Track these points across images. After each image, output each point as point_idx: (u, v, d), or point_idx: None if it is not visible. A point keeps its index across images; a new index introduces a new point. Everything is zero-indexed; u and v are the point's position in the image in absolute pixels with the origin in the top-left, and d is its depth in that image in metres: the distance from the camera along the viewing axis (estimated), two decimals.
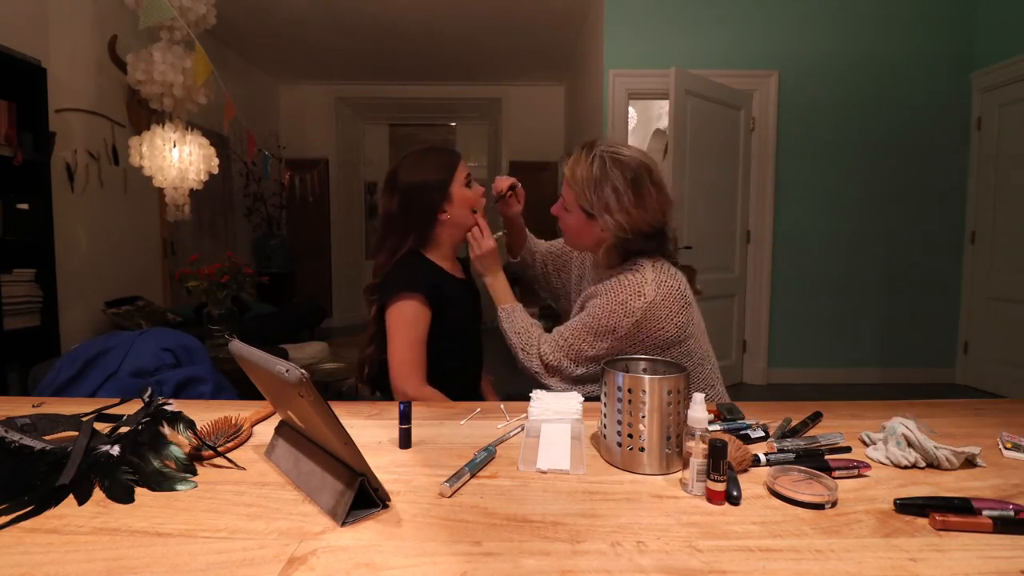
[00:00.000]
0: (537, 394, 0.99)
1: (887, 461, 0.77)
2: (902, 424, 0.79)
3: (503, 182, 1.38)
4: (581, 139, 4.69)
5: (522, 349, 1.21)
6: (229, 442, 0.80)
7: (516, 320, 1.24)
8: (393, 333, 1.19)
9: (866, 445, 0.84)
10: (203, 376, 1.29)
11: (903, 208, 3.68)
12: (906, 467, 0.75)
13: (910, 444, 0.77)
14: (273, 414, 0.96)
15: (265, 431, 0.89)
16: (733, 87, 3.55)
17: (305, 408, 0.62)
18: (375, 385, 1.30)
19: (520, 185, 1.40)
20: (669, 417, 0.74)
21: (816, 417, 0.95)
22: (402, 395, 1.16)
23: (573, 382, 1.17)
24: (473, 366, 1.36)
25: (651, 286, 1.08)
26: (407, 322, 1.18)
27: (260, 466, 0.76)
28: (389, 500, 0.65)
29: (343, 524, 0.60)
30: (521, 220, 1.44)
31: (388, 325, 1.20)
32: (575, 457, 0.77)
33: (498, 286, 1.29)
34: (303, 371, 0.58)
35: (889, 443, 0.79)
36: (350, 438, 0.61)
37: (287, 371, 0.59)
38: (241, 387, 1.48)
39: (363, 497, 0.62)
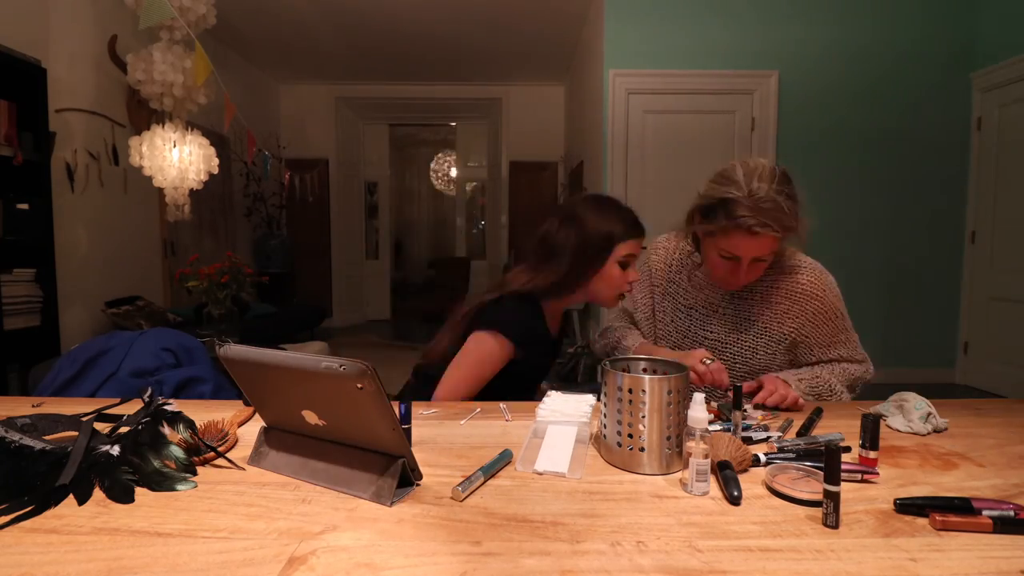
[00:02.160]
0: (549, 395, 0.99)
1: (908, 430, 0.90)
2: (925, 402, 0.92)
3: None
4: (581, 139, 4.65)
5: (848, 387, 1.23)
6: (220, 446, 0.79)
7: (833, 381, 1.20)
8: (465, 355, 1.15)
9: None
10: (203, 376, 1.29)
11: (903, 208, 3.68)
12: (925, 434, 0.89)
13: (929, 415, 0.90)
14: (253, 416, 0.96)
15: (249, 432, 0.89)
16: (733, 87, 3.55)
17: (352, 401, 0.64)
18: (416, 388, 1.25)
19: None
20: (669, 417, 0.74)
21: (818, 413, 0.96)
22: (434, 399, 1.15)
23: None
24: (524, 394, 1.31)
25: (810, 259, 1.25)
26: (482, 358, 1.14)
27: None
28: (421, 477, 0.70)
29: (391, 504, 0.65)
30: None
31: (465, 346, 1.16)
32: (575, 460, 0.77)
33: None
34: (366, 363, 0.61)
35: (913, 416, 0.90)
36: (398, 423, 0.65)
37: (342, 366, 0.61)
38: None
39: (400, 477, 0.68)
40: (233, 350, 0.74)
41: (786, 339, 1.20)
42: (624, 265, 1.17)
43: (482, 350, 1.14)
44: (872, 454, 0.74)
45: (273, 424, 0.79)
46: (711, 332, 1.24)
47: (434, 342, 1.25)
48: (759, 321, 1.20)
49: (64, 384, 1.23)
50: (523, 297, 1.17)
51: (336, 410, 0.69)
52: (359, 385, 0.61)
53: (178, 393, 1.24)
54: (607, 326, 1.42)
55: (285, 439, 0.77)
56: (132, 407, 0.91)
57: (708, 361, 1.05)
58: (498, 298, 1.18)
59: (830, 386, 1.16)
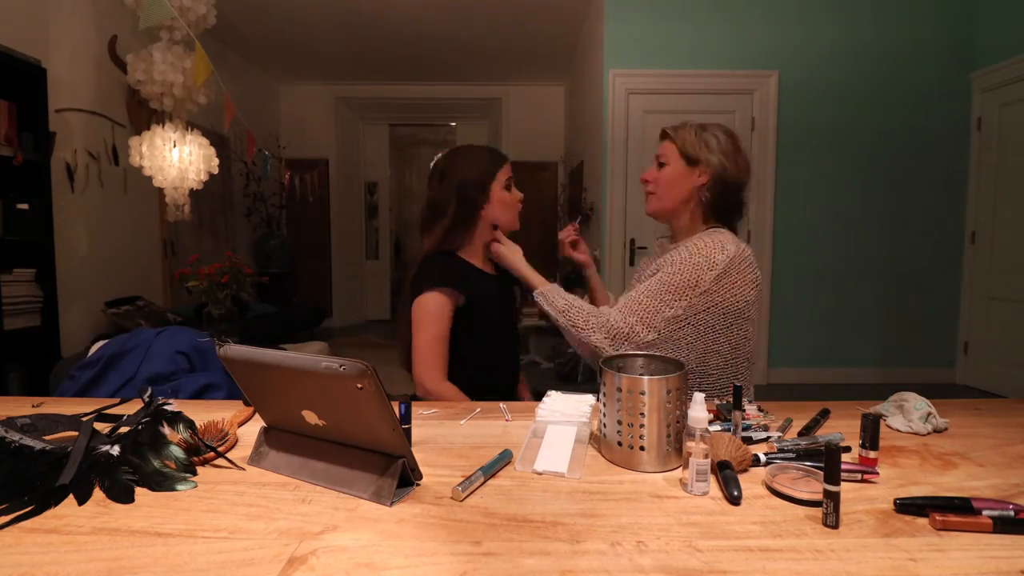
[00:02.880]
0: (549, 395, 0.99)
1: (908, 430, 0.90)
2: (925, 403, 0.92)
3: (566, 232, 1.44)
4: (581, 139, 4.67)
5: (574, 325, 1.17)
6: (220, 446, 0.79)
7: (558, 299, 1.22)
8: (415, 326, 1.21)
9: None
10: (218, 382, 1.29)
11: (903, 208, 3.68)
12: (925, 434, 0.89)
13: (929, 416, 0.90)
14: (253, 416, 0.96)
15: (249, 432, 0.89)
16: (733, 87, 3.55)
17: (353, 401, 0.65)
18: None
19: (577, 227, 1.45)
20: (669, 416, 0.74)
21: (825, 414, 0.96)
22: (422, 388, 1.18)
23: (641, 350, 1.14)
24: (510, 363, 1.37)
25: (732, 244, 1.16)
26: (429, 316, 1.21)
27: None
28: (421, 476, 0.70)
29: (391, 504, 0.65)
30: (597, 277, 1.49)
31: (412, 318, 1.22)
32: (575, 460, 0.77)
33: (527, 273, 1.29)
34: (366, 362, 0.61)
35: (913, 416, 0.90)
36: (398, 423, 0.66)
37: (342, 367, 0.62)
38: None
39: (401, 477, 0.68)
40: (233, 350, 0.74)
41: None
42: (507, 188, 1.30)
43: (423, 310, 1.21)
44: (872, 454, 0.74)
45: (273, 424, 0.79)
46: None
47: (399, 342, 1.32)
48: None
49: (86, 386, 1.24)
50: (435, 255, 1.28)
51: (336, 410, 0.69)
52: (359, 385, 0.62)
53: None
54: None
55: (285, 439, 0.77)
56: (132, 407, 0.91)
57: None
58: (418, 268, 1.27)
59: (570, 302, 1.20)
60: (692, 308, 1.13)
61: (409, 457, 0.68)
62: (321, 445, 0.73)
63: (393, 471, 0.67)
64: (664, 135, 1.27)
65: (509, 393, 1.33)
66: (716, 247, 1.14)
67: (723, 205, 1.23)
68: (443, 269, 1.25)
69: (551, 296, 1.23)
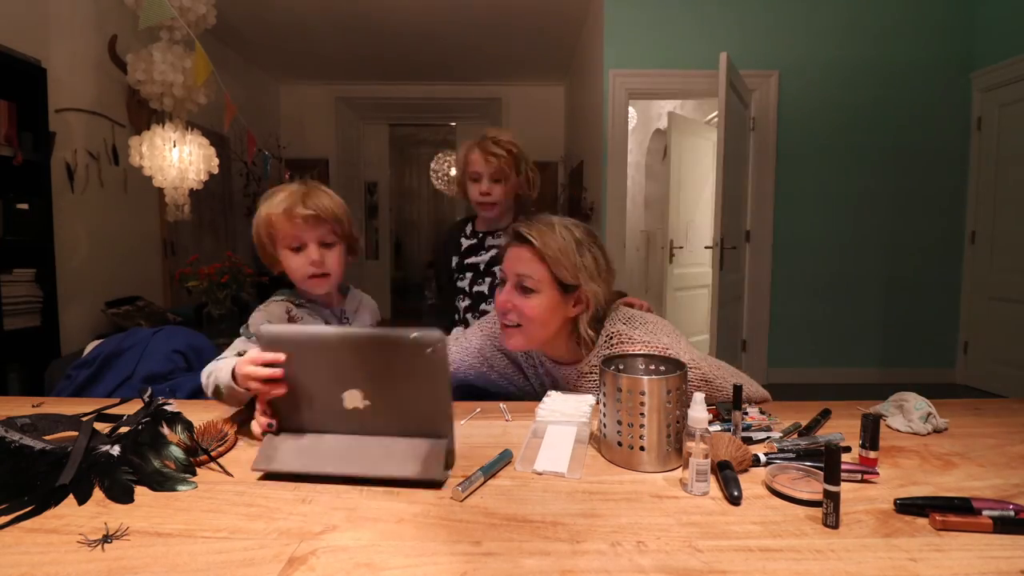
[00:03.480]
0: (549, 395, 0.99)
1: (908, 430, 0.90)
2: (925, 403, 0.92)
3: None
4: (581, 139, 4.66)
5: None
6: (219, 447, 0.79)
7: None
8: None
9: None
10: None
11: (903, 208, 3.68)
12: (925, 435, 0.89)
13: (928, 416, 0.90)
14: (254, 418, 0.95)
15: (249, 433, 0.89)
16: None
17: (411, 371, 0.68)
18: None
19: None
20: (669, 416, 0.74)
21: (826, 414, 0.96)
22: None
23: None
24: None
25: (642, 321, 1.03)
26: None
27: None
28: (453, 464, 0.75)
29: (444, 481, 0.69)
30: None
31: None
32: (575, 460, 0.77)
33: None
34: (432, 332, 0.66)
35: (913, 416, 0.90)
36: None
37: (418, 335, 0.66)
38: None
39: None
40: (272, 330, 0.74)
41: None
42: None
43: None
44: (872, 454, 0.74)
45: (291, 424, 0.77)
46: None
47: None
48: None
49: (82, 385, 1.24)
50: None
51: (391, 384, 0.71)
52: (429, 349, 0.66)
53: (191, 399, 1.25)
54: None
55: (298, 438, 0.76)
56: (132, 407, 0.91)
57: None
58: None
59: None
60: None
61: (451, 437, 0.71)
62: (351, 436, 0.74)
63: (438, 449, 0.69)
64: (521, 237, 0.99)
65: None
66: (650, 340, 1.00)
67: (599, 321, 1.03)
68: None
69: None
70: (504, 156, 1.47)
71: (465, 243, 1.59)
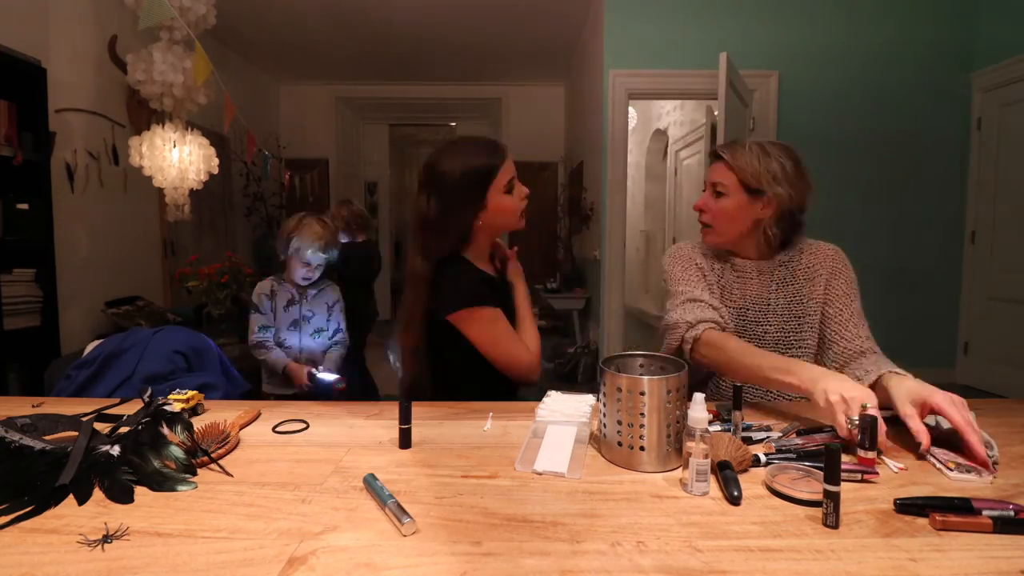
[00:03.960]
0: (549, 395, 0.99)
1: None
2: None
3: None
4: (581, 139, 4.65)
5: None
6: (220, 448, 0.79)
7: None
8: (486, 335, 1.14)
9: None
10: (215, 383, 1.29)
11: (903, 208, 3.68)
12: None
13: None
14: (258, 418, 0.95)
15: (252, 435, 0.89)
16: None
17: None
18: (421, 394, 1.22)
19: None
20: (669, 416, 0.74)
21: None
22: (531, 374, 1.18)
23: None
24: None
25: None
26: (493, 321, 1.15)
27: (260, 467, 0.76)
28: None
29: None
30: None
31: (474, 334, 1.14)
32: (575, 460, 0.77)
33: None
34: None
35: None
36: None
37: None
38: (251, 382, 1.49)
39: None
40: None
41: (819, 309, 1.19)
42: (509, 190, 1.16)
43: (484, 320, 1.13)
44: (870, 454, 0.74)
45: None
46: (769, 328, 1.19)
47: (405, 372, 1.20)
48: (801, 299, 1.18)
49: (83, 385, 1.24)
50: (450, 269, 1.15)
51: None
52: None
53: None
54: (674, 321, 1.17)
55: None
56: (132, 407, 0.91)
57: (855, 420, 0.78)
58: (438, 290, 1.13)
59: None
60: None
61: None
62: None
63: None
64: (717, 156, 1.18)
65: (512, 392, 1.33)
66: (840, 251, 1.23)
67: (788, 229, 1.16)
68: (471, 284, 1.16)
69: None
70: None
71: None
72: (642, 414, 0.74)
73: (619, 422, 0.76)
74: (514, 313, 1.25)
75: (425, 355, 1.18)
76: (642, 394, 0.74)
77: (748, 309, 1.19)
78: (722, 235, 1.18)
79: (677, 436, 0.75)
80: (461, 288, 1.14)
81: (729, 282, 1.21)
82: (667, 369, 0.85)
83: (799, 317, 1.17)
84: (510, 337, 1.18)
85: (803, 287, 1.18)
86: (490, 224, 1.18)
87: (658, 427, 0.74)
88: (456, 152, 1.16)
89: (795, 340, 1.17)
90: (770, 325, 1.18)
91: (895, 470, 0.75)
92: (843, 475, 0.71)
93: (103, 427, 0.83)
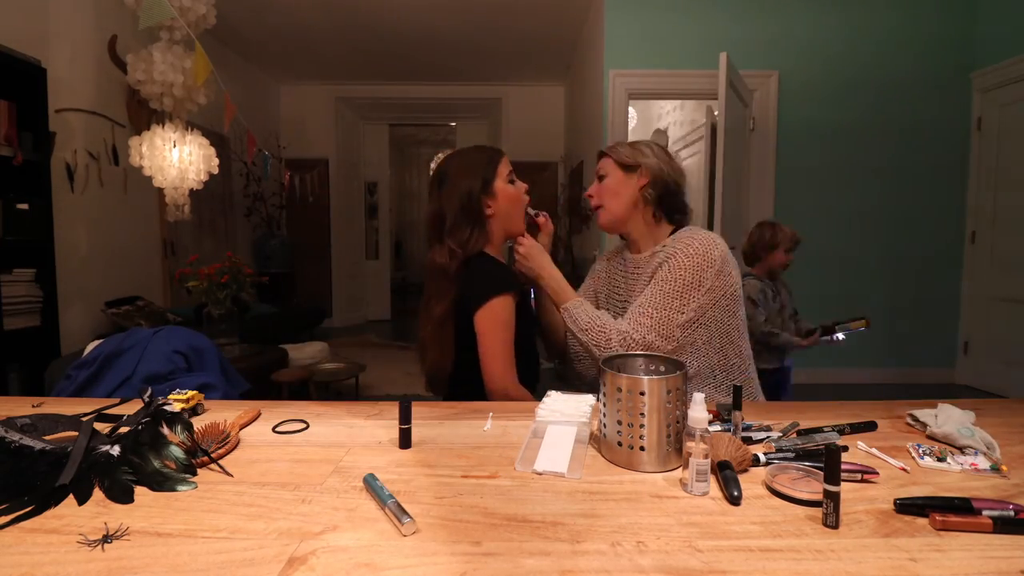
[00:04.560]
0: (549, 395, 0.99)
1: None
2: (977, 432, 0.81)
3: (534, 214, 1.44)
4: (581, 139, 4.68)
5: (596, 345, 1.17)
6: (220, 448, 0.79)
7: (581, 316, 1.21)
8: (489, 334, 1.17)
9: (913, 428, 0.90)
10: (214, 383, 1.29)
11: (903, 208, 3.68)
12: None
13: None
14: (258, 418, 0.95)
15: (252, 435, 0.89)
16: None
17: None
18: (443, 391, 1.28)
19: (547, 218, 1.43)
20: (669, 416, 0.74)
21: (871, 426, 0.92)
22: (503, 395, 1.16)
23: None
24: (536, 358, 1.34)
25: (718, 238, 1.19)
26: (503, 322, 1.17)
27: (260, 466, 0.76)
28: None
29: None
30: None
31: (481, 327, 1.18)
32: (575, 460, 0.77)
33: (555, 283, 1.29)
34: None
35: (962, 433, 0.81)
36: None
37: None
38: (251, 382, 1.49)
39: None
40: None
41: None
42: (510, 181, 1.29)
43: (497, 316, 1.17)
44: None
45: None
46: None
47: (431, 362, 1.27)
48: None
49: (83, 385, 1.24)
50: (476, 262, 1.23)
51: None
52: None
53: None
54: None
55: None
56: (132, 407, 0.91)
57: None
58: (463, 279, 1.21)
59: (593, 319, 1.20)
60: (701, 309, 1.14)
61: None
62: None
63: None
64: (600, 154, 1.34)
65: (532, 389, 1.33)
66: (709, 243, 1.16)
67: (670, 205, 1.27)
68: (497, 273, 1.22)
69: (575, 313, 1.23)
70: None
71: None
72: (642, 414, 0.74)
73: (619, 422, 0.76)
74: (525, 312, 1.26)
75: (451, 347, 1.23)
76: (642, 394, 0.74)
77: (626, 302, 1.30)
78: (609, 211, 1.30)
79: (677, 436, 0.75)
80: (488, 279, 1.21)
81: (616, 281, 1.37)
82: (667, 369, 0.85)
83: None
84: (508, 348, 1.18)
85: (655, 276, 1.22)
86: (500, 214, 1.28)
87: (658, 427, 0.74)
88: (459, 152, 1.34)
89: None
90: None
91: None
92: (843, 475, 0.71)
93: (103, 427, 0.82)
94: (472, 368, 1.20)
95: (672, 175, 1.26)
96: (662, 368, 0.86)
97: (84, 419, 0.83)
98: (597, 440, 0.83)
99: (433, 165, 9.14)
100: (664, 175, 1.26)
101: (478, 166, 1.27)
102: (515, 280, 1.23)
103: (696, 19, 3.59)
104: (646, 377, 0.75)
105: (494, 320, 1.17)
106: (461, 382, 1.24)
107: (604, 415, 0.79)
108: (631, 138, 4.79)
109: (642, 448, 0.74)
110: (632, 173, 1.28)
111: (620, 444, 0.76)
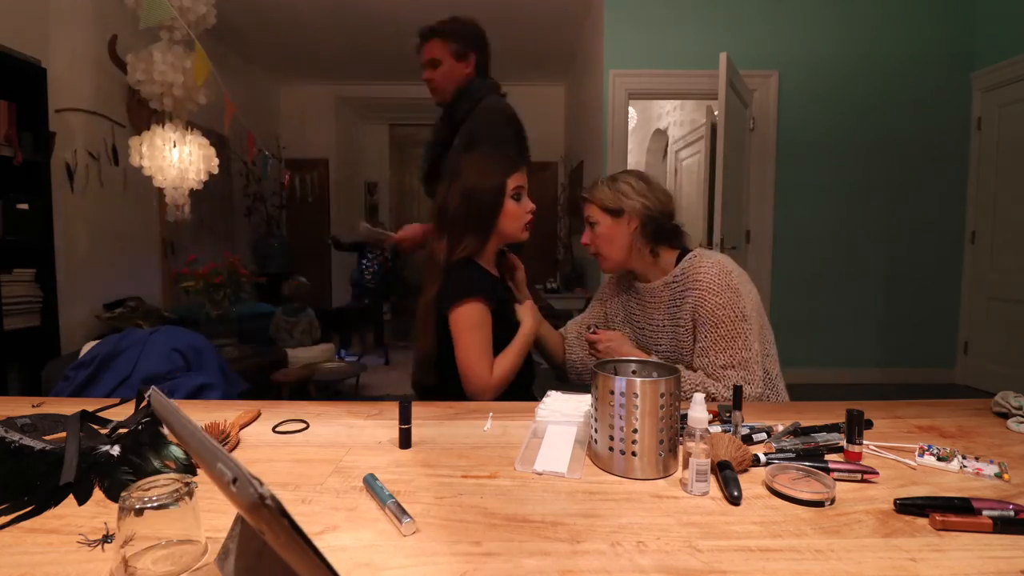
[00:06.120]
0: (549, 395, 0.99)
1: None
2: None
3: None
4: (581, 139, 4.67)
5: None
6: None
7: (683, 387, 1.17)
8: (462, 336, 1.19)
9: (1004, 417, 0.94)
10: (214, 383, 1.29)
11: (903, 208, 3.68)
12: None
13: None
14: (258, 418, 0.95)
15: (252, 435, 0.89)
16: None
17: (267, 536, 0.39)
18: (428, 392, 1.28)
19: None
20: (661, 420, 0.73)
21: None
22: (478, 391, 1.17)
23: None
24: (527, 368, 1.35)
25: (720, 258, 1.22)
26: (474, 324, 1.18)
27: (260, 467, 0.76)
28: None
29: None
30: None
31: (454, 330, 1.19)
32: (575, 460, 0.77)
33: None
34: (267, 491, 0.34)
35: None
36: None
37: (235, 482, 0.36)
38: (250, 383, 1.49)
39: None
40: (159, 401, 0.54)
41: (691, 329, 1.24)
42: (517, 197, 1.28)
43: (470, 320, 1.19)
44: (856, 448, 0.74)
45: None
46: (660, 346, 1.32)
47: (419, 355, 1.30)
48: (677, 321, 1.25)
49: (82, 386, 1.24)
50: (459, 264, 1.25)
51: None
52: (262, 527, 0.38)
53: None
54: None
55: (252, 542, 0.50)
56: (132, 407, 0.91)
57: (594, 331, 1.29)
58: (444, 279, 1.24)
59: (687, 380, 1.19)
60: (753, 333, 1.17)
61: None
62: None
63: None
64: (583, 199, 1.33)
65: (526, 392, 1.33)
66: (720, 271, 1.18)
67: (663, 236, 1.28)
68: (475, 280, 1.23)
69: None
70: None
71: None
72: (635, 419, 0.73)
73: (611, 427, 0.74)
74: (507, 323, 1.27)
75: (434, 333, 1.25)
76: (635, 396, 0.73)
77: (644, 329, 1.33)
78: (609, 258, 1.31)
79: (671, 442, 0.74)
80: (460, 281, 1.22)
81: (631, 308, 1.38)
82: (659, 373, 0.84)
83: (679, 337, 1.26)
84: (480, 350, 1.18)
85: (680, 309, 1.24)
86: (499, 228, 1.28)
87: (651, 432, 0.72)
88: (480, 153, 1.40)
89: (682, 356, 1.27)
90: (661, 344, 1.30)
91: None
92: (843, 475, 0.72)
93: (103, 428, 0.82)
94: (451, 359, 1.22)
95: (658, 207, 1.26)
96: (654, 373, 0.85)
97: (70, 416, 0.83)
98: (590, 448, 0.80)
99: None
100: (651, 212, 1.25)
101: (488, 174, 1.27)
102: (492, 290, 1.23)
103: (696, 19, 3.59)
104: (638, 379, 0.74)
105: (464, 322, 1.19)
106: (445, 368, 1.25)
107: (595, 420, 0.77)
108: (631, 138, 4.79)
109: (634, 454, 0.73)
110: (620, 218, 1.27)
111: (611, 450, 0.74)
